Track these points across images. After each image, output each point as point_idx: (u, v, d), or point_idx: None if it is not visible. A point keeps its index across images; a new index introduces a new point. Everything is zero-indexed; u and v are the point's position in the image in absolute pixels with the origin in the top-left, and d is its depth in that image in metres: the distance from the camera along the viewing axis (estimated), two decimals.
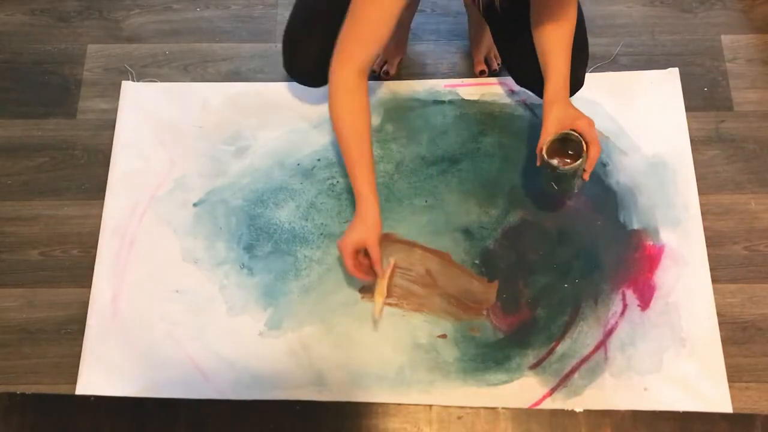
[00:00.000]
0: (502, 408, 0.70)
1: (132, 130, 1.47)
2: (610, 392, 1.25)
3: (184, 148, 1.46)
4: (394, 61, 1.51)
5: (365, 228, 1.21)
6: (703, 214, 1.38)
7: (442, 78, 1.52)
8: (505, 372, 1.27)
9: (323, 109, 1.47)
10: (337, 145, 1.44)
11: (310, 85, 1.40)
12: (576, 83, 1.30)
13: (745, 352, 1.29)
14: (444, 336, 1.29)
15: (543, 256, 1.35)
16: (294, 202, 1.41)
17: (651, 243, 1.35)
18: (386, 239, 1.36)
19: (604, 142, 1.43)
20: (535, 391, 1.25)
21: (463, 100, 1.49)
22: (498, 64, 1.50)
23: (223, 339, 1.30)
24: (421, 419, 0.71)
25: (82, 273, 1.36)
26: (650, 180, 1.40)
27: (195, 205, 1.41)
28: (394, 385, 1.26)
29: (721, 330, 1.29)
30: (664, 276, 1.33)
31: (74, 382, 1.28)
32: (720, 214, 1.39)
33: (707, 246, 1.35)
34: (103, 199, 1.42)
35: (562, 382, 1.26)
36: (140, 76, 1.54)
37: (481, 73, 1.50)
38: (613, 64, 1.53)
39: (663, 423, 0.72)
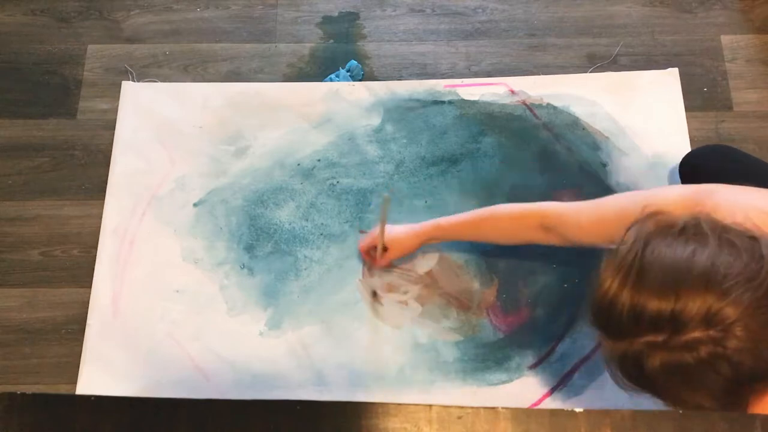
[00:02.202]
0: (502, 408, 0.70)
1: (132, 130, 1.47)
2: (610, 392, 1.25)
3: (184, 148, 1.46)
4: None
5: (400, 240, 1.25)
6: None
7: (442, 78, 1.52)
8: (505, 372, 1.27)
9: (323, 109, 1.47)
10: (337, 145, 1.44)
11: None
12: None
13: None
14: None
15: (543, 256, 1.35)
16: (294, 202, 1.41)
17: None
18: None
19: (604, 142, 1.43)
20: (535, 391, 1.26)
21: (463, 100, 1.49)
22: None
23: (223, 339, 1.30)
24: (421, 419, 0.71)
25: (82, 273, 1.37)
26: (650, 180, 1.40)
27: (195, 205, 1.41)
28: (394, 385, 1.26)
29: None
30: None
31: (74, 382, 1.28)
32: None
33: None
34: (103, 199, 1.42)
35: (562, 382, 1.26)
36: (140, 76, 1.54)
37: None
38: (613, 64, 1.53)
39: (663, 423, 0.72)
